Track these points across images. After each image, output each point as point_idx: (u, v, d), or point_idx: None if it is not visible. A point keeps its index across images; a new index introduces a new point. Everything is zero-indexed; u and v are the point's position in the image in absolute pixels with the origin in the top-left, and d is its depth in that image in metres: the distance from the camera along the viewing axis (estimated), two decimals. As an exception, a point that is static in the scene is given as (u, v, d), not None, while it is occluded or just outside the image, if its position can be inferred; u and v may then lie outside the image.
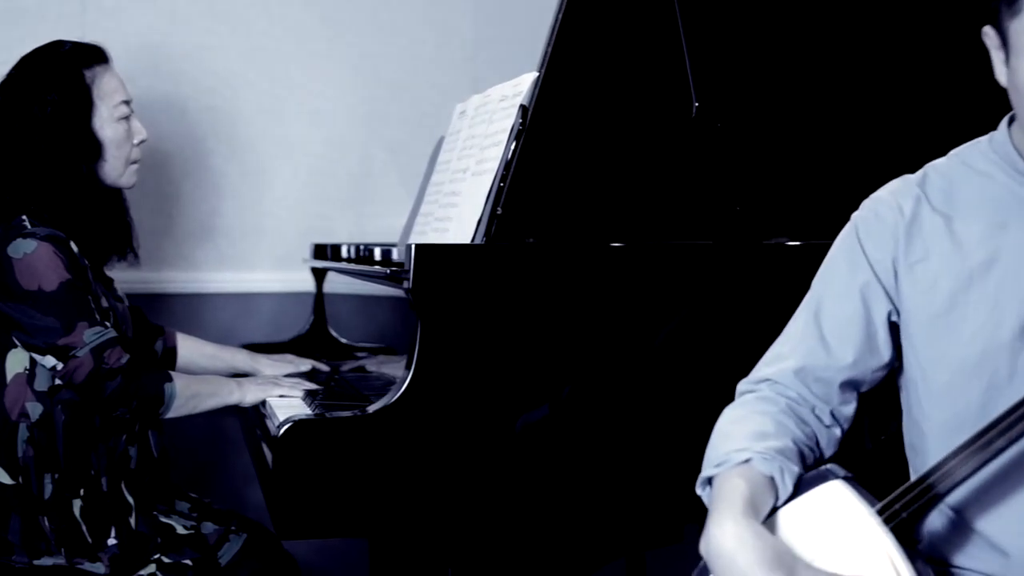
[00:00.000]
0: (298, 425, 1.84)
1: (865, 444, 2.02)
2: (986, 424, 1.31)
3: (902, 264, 1.49)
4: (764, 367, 1.59)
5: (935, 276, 1.46)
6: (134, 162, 2.32)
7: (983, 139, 1.52)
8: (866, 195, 1.58)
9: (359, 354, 2.94)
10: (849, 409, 1.55)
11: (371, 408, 1.88)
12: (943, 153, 1.57)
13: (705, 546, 1.34)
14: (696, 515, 2.01)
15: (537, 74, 2.08)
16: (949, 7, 2.34)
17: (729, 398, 1.58)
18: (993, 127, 1.51)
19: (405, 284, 1.89)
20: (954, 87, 2.32)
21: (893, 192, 1.54)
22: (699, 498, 1.49)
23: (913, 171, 1.57)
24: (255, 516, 2.39)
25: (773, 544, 1.29)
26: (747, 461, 1.40)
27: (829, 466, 1.42)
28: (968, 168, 1.50)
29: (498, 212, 2.01)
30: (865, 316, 1.52)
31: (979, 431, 1.31)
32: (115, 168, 2.28)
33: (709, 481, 1.46)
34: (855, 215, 1.58)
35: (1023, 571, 1.41)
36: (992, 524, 1.43)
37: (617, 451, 1.96)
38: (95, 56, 2.28)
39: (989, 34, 1.41)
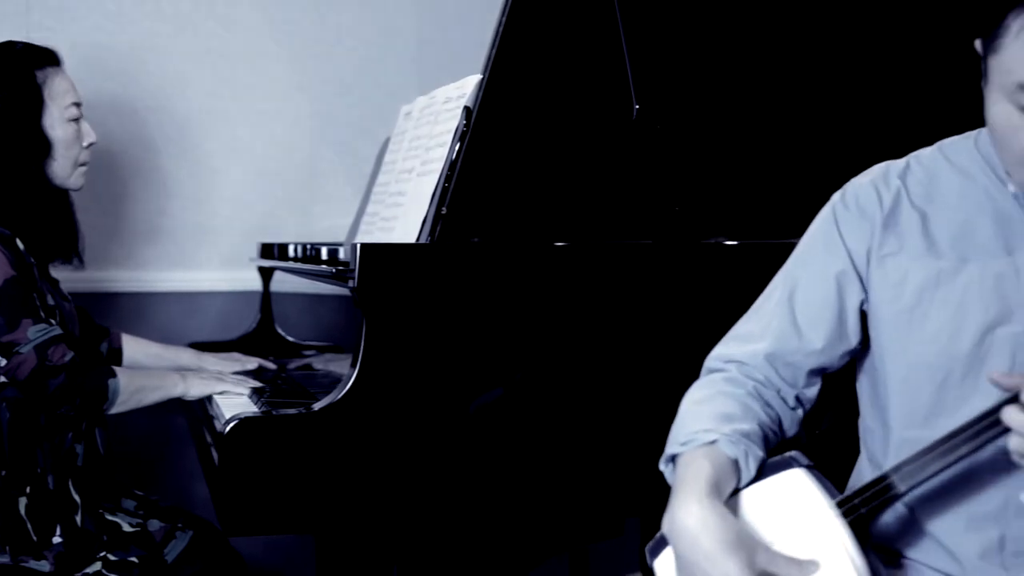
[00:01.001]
0: (244, 422, 1.85)
1: (801, 438, 2.06)
2: (953, 429, 1.32)
3: (875, 255, 1.49)
4: (735, 345, 1.59)
5: (905, 271, 1.47)
6: (83, 164, 2.32)
7: (972, 134, 1.50)
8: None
9: (306, 352, 2.95)
10: (813, 391, 1.57)
11: (317, 406, 1.89)
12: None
13: (669, 524, 1.35)
14: (636, 510, 2.06)
15: (481, 76, 2.10)
16: (888, 10, 2.39)
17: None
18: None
19: (351, 283, 1.90)
20: (897, 88, 2.37)
21: (874, 181, 1.53)
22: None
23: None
24: (201, 513, 2.40)
25: (735, 527, 1.32)
26: (713, 442, 1.41)
27: (793, 453, 1.43)
28: (950, 164, 1.49)
29: (443, 212, 2.03)
30: (838, 303, 1.52)
31: (945, 435, 1.32)
32: (64, 168, 2.28)
33: (673, 459, 1.47)
34: (835, 199, 1.57)
35: (972, 569, 1.43)
36: (939, 523, 1.45)
37: (559, 447, 1.98)
38: (47, 58, 2.28)
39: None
